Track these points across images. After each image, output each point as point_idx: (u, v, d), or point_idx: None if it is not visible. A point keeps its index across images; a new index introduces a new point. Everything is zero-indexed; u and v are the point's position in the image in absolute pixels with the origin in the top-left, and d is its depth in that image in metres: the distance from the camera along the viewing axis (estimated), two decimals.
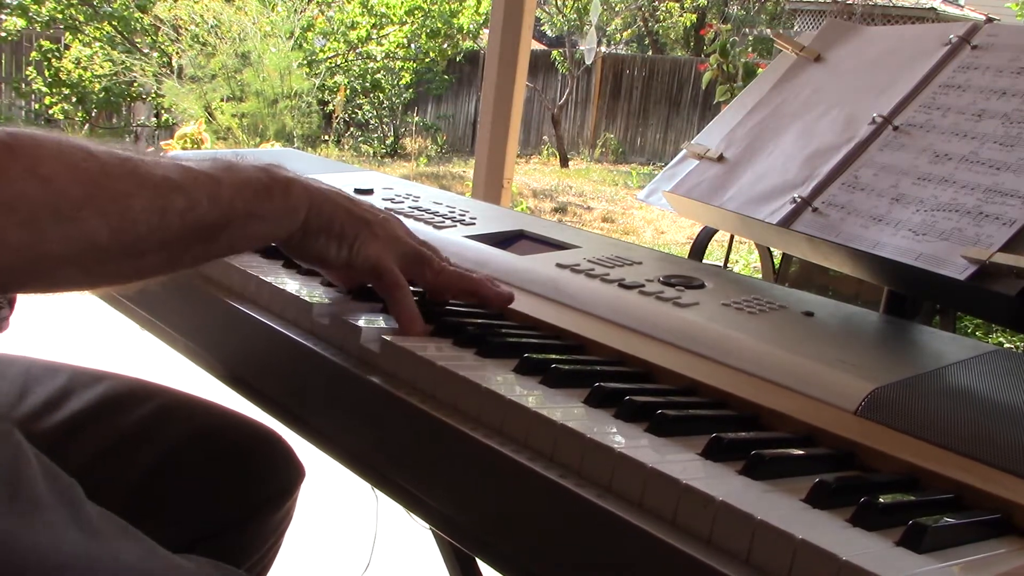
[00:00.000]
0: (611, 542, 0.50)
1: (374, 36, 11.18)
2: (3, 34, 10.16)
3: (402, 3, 11.00)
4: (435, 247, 0.79)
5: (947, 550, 0.46)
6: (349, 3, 11.10)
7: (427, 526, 0.68)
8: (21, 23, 10.14)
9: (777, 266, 2.59)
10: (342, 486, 1.76)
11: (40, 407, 0.89)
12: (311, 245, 0.73)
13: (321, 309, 0.75)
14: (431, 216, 1.07)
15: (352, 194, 0.77)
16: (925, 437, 0.57)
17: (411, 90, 11.73)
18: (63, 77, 10.04)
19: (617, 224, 8.05)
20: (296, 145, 9.39)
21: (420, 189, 1.25)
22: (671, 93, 12.46)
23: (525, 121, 11.69)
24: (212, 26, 9.49)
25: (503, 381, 0.62)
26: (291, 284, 0.81)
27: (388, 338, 0.68)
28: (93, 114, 10.41)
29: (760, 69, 4.08)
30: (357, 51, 11.18)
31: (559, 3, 13.71)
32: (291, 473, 0.99)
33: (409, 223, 1.03)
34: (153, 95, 10.08)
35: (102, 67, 10.02)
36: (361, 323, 0.71)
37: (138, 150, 0.64)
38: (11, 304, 0.86)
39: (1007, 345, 3.32)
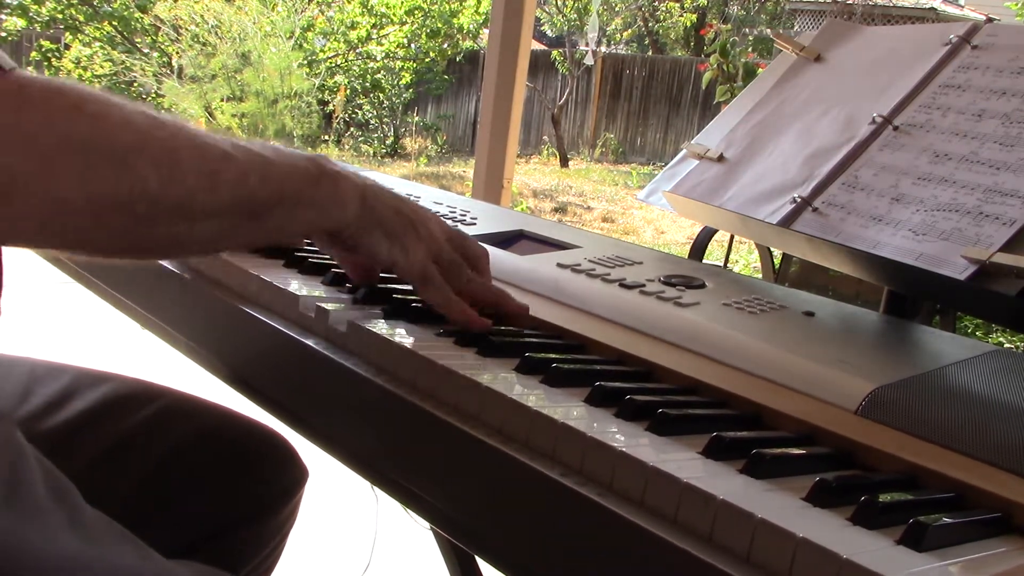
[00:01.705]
0: (612, 540, 0.50)
1: (374, 36, 11.18)
2: (3, 34, 10.16)
3: (402, 3, 11.00)
4: (473, 246, 0.79)
5: (947, 549, 0.46)
6: (349, 3, 11.10)
7: (427, 525, 0.68)
8: (21, 23, 10.14)
9: (777, 266, 2.59)
10: (342, 486, 1.76)
11: (43, 408, 0.89)
12: (364, 239, 0.73)
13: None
14: None
15: (395, 190, 0.77)
16: (925, 436, 0.57)
17: (411, 90, 11.74)
18: (63, 77, 10.04)
19: (617, 224, 8.05)
20: (296, 145, 9.39)
21: (420, 189, 1.26)
22: (671, 93, 12.46)
23: (525, 121, 11.70)
24: (212, 26, 9.50)
25: (504, 380, 0.62)
26: (293, 284, 0.81)
27: (389, 338, 0.68)
28: None
29: (760, 69, 4.08)
30: (357, 51, 11.19)
31: (559, 3, 13.71)
32: (295, 474, 1.00)
33: None
34: (153, 95, 10.08)
35: (102, 67, 10.03)
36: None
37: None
38: None
39: (1007, 345, 3.32)
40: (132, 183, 0.57)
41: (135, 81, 10.04)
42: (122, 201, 0.57)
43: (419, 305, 0.76)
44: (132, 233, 0.60)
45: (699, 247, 2.36)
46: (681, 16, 15.26)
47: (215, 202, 0.61)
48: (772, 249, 2.43)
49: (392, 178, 1.34)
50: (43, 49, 10.09)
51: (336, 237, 0.73)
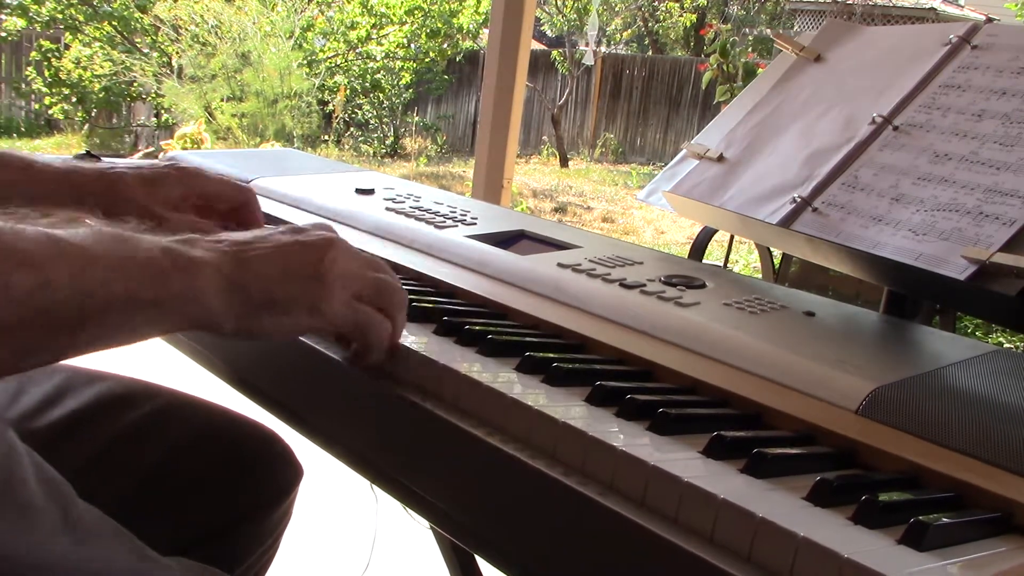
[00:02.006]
0: (613, 540, 0.50)
1: (374, 36, 11.18)
2: (3, 34, 10.16)
3: (402, 3, 11.00)
4: (372, 257, 0.70)
5: (948, 548, 0.46)
6: (349, 3, 11.10)
7: (427, 524, 0.68)
8: (21, 23, 10.14)
9: (777, 266, 2.59)
10: (341, 486, 1.77)
11: (36, 406, 0.89)
12: (257, 328, 0.61)
13: None
14: (432, 216, 1.07)
15: (279, 236, 0.64)
16: (926, 436, 0.57)
17: (411, 90, 11.73)
18: (63, 77, 10.05)
19: (617, 224, 8.05)
20: (296, 145, 9.39)
21: (421, 189, 1.26)
22: (671, 93, 12.46)
23: (525, 121, 11.69)
24: (212, 26, 9.50)
25: (505, 380, 0.62)
26: None
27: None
28: (93, 114, 10.41)
29: (760, 69, 4.08)
30: (357, 51, 11.18)
31: (559, 3, 13.71)
32: (289, 473, 0.99)
33: (410, 223, 1.03)
34: (153, 95, 10.08)
35: (102, 67, 10.02)
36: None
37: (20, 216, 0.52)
38: None
39: (1007, 345, 3.33)
40: None
41: (135, 81, 10.04)
42: None
43: (419, 304, 0.76)
44: None
45: (699, 247, 2.36)
46: (681, 16, 15.26)
47: (9, 316, 0.50)
48: (772, 249, 2.43)
49: (392, 178, 1.34)
50: (43, 49, 10.08)
51: (217, 332, 0.61)
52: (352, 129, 11.42)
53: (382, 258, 0.92)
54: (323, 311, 0.62)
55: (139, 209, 0.75)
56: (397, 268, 0.90)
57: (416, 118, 12.11)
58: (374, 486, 0.71)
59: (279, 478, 0.98)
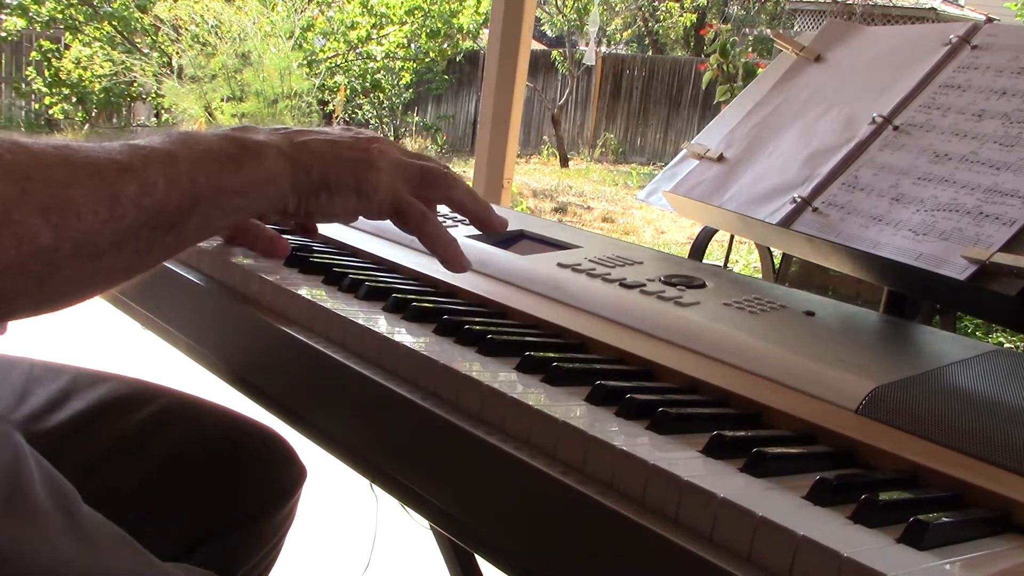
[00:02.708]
0: (612, 539, 0.50)
1: (374, 36, 11.18)
2: (3, 34, 10.16)
3: (402, 3, 11.00)
4: (428, 155, 0.75)
5: (948, 547, 0.46)
6: (349, 3, 11.10)
7: (427, 524, 0.68)
8: (21, 23, 10.14)
9: (777, 266, 2.60)
10: (341, 486, 1.77)
11: (41, 408, 0.89)
12: (315, 207, 0.67)
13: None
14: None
15: (329, 129, 0.70)
16: (925, 435, 0.57)
17: (411, 90, 11.74)
18: (63, 77, 10.05)
19: (617, 224, 8.05)
20: None
21: None
22: (671, 93, 12.46)
23: (525, 121, 11.69)
24: (212, 26, 9.50)
25: (505, 379, 0.62)
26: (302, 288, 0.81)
27: (389, 336, 0.68)
28: (93, 114, 10.41)
29: (760, 69, 4.08)
30: (357, 51, 11.19)
31: (559, 3, 13.71)
32: (293, 474, 1.00)
33: None
34: (153, 95, 10.09)
35: (102, 67, 10.03)
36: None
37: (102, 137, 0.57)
38: None
39: (1007, 345, 3.33)
40: (22, 244, 0.49)
41: (135, 81, 10.04)
42: (14, 266, 0.49)
43: (419, 304, 0.76)
44: (30, 293, 0.52)
45: (699, 247, 2.37)
46: (681, 16, 15.26)
47: (120, 228, 0.53)
48: (772, 249, 2.44)
49: None
50: (43, 49, 10.09)
51: (284, 213, 0.66)
52: None
53: (381, 257, 0.92)
54: (370, 194, 0.68)
55: None
56: (396, 268, 0.90)
57: (416, 118, 12.12)
58: (374, 486, 0.71)
59: (283, 479, 0.99)
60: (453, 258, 0.73)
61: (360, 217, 0.72)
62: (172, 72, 9.68)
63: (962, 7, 13.88)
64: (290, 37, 9.99)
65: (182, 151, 0.58)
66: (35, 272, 0.51)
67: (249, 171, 0.61)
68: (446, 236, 0.72)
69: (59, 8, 10.07)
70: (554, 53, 12.69)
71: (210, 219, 0.60)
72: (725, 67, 4.71)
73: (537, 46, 13.18)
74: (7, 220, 0.48)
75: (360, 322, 0.71)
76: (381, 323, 0.73)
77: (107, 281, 0.57)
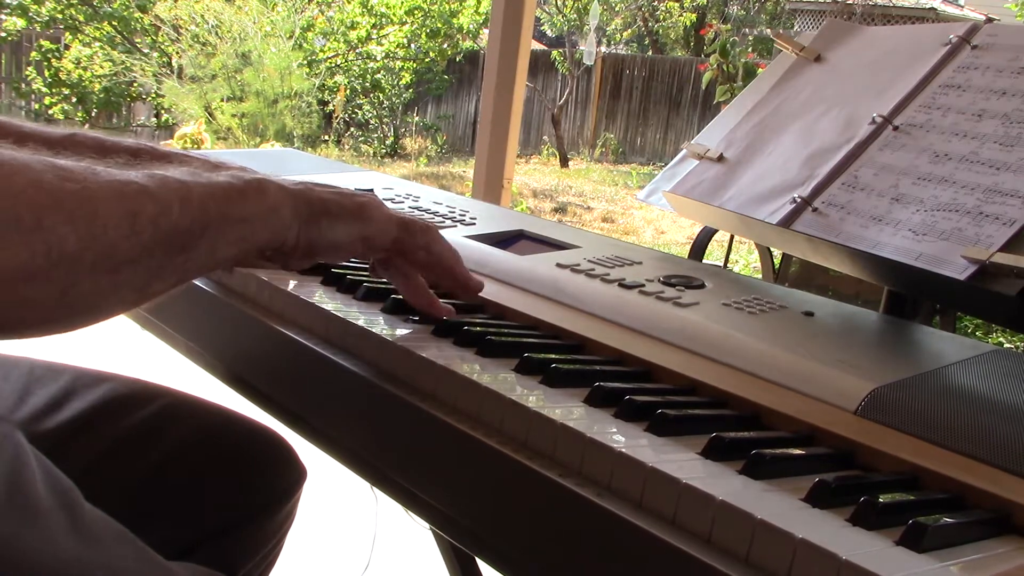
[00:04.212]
0: (611, 541, 0.50)
1: (374, 36, 11.18)
2: (3, 34, 10.16)
3: (402, 3, 11.00)
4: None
5: (947, 549, 0.46)
6: (349, 3, 11.10)
7: (427, 525, 0.68)
8: (21, 23, 10.14)
9: (777, 266, 2.59)
10: (342, 486, 1.76)
11: (42, 408, 0.89)
12: (317, 237, 0.69)
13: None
14: (431, 216, 1.07)
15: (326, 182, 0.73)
16: (925, 437, 0.57)
17: (411, 90, 11.73)
18: (63, 77, 10.05)
19: (617, 224, 8.05)
20: (296, 145, 9.40)
21: (420, 189, 1.26)
22: (671, 93, 12.46)
23: (525, 121, 11.69)
24: (212, 26, 9.50)
25: (503, 380, 0.62)
26: (291, 283, 0.81)
27: (388, 338, 0.68)
28: (93, 114, 10.41)
29: (760, 69, 4.08)
30: (357, 51, 11.19)
31: (559, 3, 13.71)
32: (293, 474, 1.00)
33: None
34: (153, 95, 10.09)
35: (102, 67, 10.03)
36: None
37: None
38: None
39: (1007, 345, 3.33)
40: (49, 250, 0.51)
41: (135, 81, 10.04)
42: (38, 272, 0.51)
43: None
44: (50, 304, 0.54)
45: (699, 247, 2.37)
46: (681, 16, 15.26)
47: (138, 244, 0.56)
48: (772, 249, 2.43)
49: (392, 178, 1.34)
50: (43, 49, 10.08)
51: (285, 248, 0.68)
52: (352, 129, 11.42)
53: None
54: (373, 218, 0.71)
55: None
56: None
57: (416, 118, 12.11)
58: (374, 487, 0.71)
59: (283, 479, 0.99)
60: (464, 277, 0.75)
61: (361, 250, 0.74)
62: (172, 72, 9.68)
63: (962, 7, 13.87)
64: (290, 37, 10.00)
65: (193, 180, 0.62)
66: (58, 280, 0.53)
67: (253, 202, 0.65)
68: (453, 251, 0.73)
69: (59, 8, 10.06)
70: (554, 53, 12.69)
71: (216, 246, 0.63)
72: (725, 67, 4.71)
73: (537, 46, 13.18)
74: (39, 226, 0.51)
75: (359, 323, 0.71)
76: (380, 324, 0.73)
77: (120, 298, 0.59)
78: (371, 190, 0.77)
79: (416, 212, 1.08)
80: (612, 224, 8.05)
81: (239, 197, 0.64)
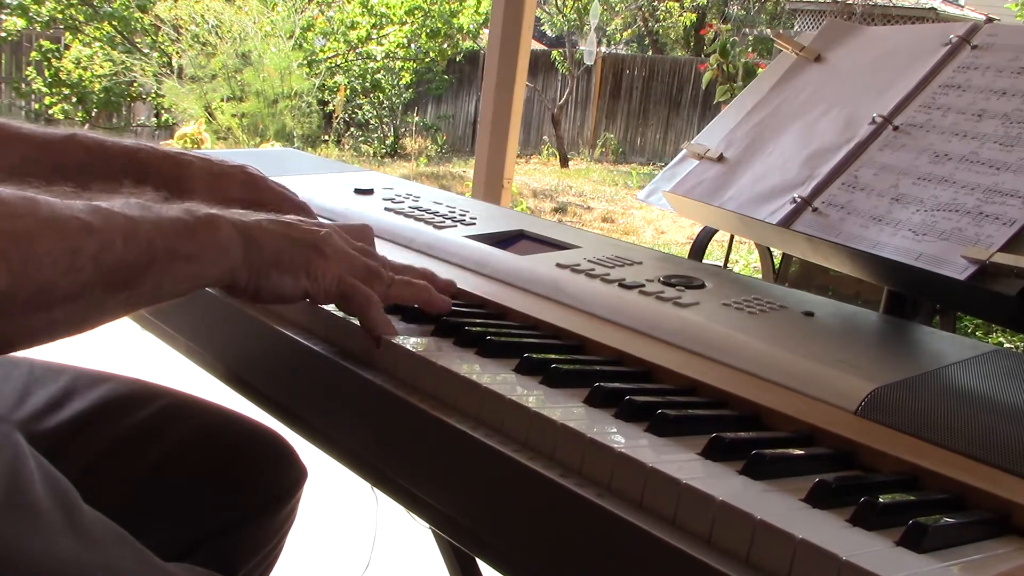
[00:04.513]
0: (611, 542, 0.50)
1: (374, 36, 11.18)
2: (3, 34, 10.16)
3: (402, 3, 11.00)
4: (374, 252, 0.77)
5: (947, 550, 0.46)
6: (349, 3, 11.10)
7: (427, 526, 0.68)
8: (21, 23, 10.14)
9: (777, 266, 2.59)
10: (342, 486, 1.76)
11: (42, 408, 0.89)
12: (263, 283, 0.68)
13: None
14: (431, 216, 1.07)
15: (280, 217, 0.72)
16: (925, 437, 0.57)
17: (411, 90, 11.73)
18: (63, 77, 10.05)
19: (617, 224, 8.05)
20: (296, 145, 9.39)
21: (420, 189, 1.25)
22: (671, 93, 12.45)
23: (525, 121, 11.69)
24: (212, 26, 9.50)
25: (503, 381, 0.62)
26: None
27: (388, 338, 0.68)
28: (93, 114, 10.41)
29: (760, 69, 4.08)
30: (357, 51, 11.18)
31: (559, 3, 13.71)
32: (293, 474, 1.00)
33: (409, 223, 1.03)
34: (153, 95, 10.09)
35: (102, 67, 10.03)
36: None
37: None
38: None
39: (1007, 345, 3.33)
40: None
41: (135, 81, 10.04)
42: None
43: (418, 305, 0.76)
44: None
45: (699, 247, 2.37)
46: (681, 16, 15.26)
47: (76, 281, 0.55)
48: (772, 249, 2.43)
49: (392, 178, 1.34)
50: (43, 49, 10.08)
51: (233, 288, 0.68)
52: (352, 129, 11.42)
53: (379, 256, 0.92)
54: (318, 277, 0.69)
55: (198, 197, 0.76)
56: (395, 269, 0.90)
57: (416, 118, 12.11)
58: (374, 487, 0.71)
59: (283, 479, 0.99)
60: (383, 323, 0.72)
61: (305, 300, 0.73)
62: (172, 72, 9.68)
63: (962, 7, 13.87)
64: (290, 37, 10.00)
65: (141, 215, 0.60)
66: None
67: (203, 239, 0.63)
68: (386, 322, 0.71)
69: (59, 8, 10.06)
70: (554, 53, 12.68)
71: (162, 283, 0.62)
72: (725, 67, 4.71)
73: (537, 46, 13.18)
74: None
75: (358, 323, 0.71)
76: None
77: (53, 333, 0.58)
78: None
79: (416, 212, 1.08)
80: (612, 224, 8.05)
81: (188, 233, 0.63)
